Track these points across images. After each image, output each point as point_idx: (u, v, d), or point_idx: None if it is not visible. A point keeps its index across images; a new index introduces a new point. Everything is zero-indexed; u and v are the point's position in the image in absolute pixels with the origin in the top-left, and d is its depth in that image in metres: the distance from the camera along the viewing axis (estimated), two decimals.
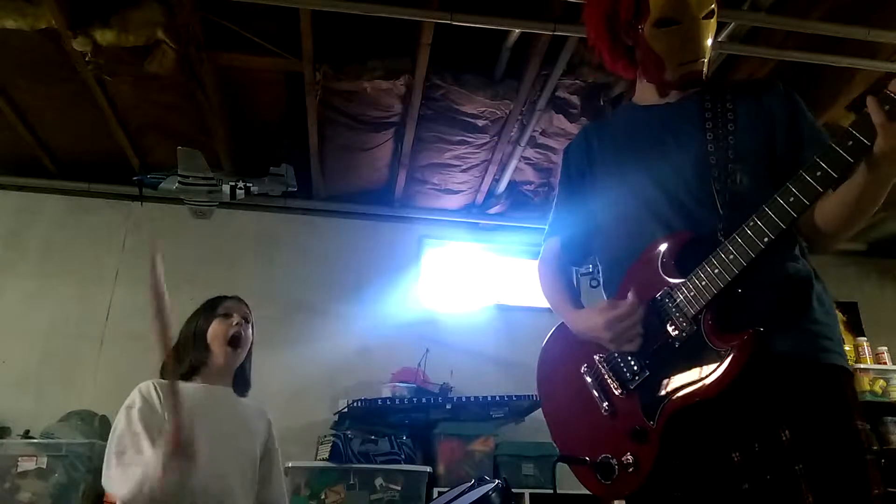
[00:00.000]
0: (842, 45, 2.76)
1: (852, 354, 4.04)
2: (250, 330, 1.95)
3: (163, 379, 1.83)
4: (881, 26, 2.62)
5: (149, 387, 1.78)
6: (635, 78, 1.46)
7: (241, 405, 1.93)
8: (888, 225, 4.27)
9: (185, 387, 1.79)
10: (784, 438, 1.08)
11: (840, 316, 4.42)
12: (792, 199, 1.04)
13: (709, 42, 1.29)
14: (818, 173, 1.01)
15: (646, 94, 1.42)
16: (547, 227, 1.55)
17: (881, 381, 3.88)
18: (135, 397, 1.76)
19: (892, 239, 4.43)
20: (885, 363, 4.01)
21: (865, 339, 4.16)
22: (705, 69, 1.31)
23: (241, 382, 1.96)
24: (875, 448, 3.67)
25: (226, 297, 1.97)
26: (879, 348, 4.08)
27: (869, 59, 2.82)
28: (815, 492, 1.03)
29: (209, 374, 1.88)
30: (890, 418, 3.79)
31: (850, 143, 0.99)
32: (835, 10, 2.66)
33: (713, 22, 1.29)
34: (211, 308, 1.93)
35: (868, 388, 3.84)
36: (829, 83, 3.11)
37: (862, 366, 3.94)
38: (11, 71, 3.11)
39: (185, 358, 1.87)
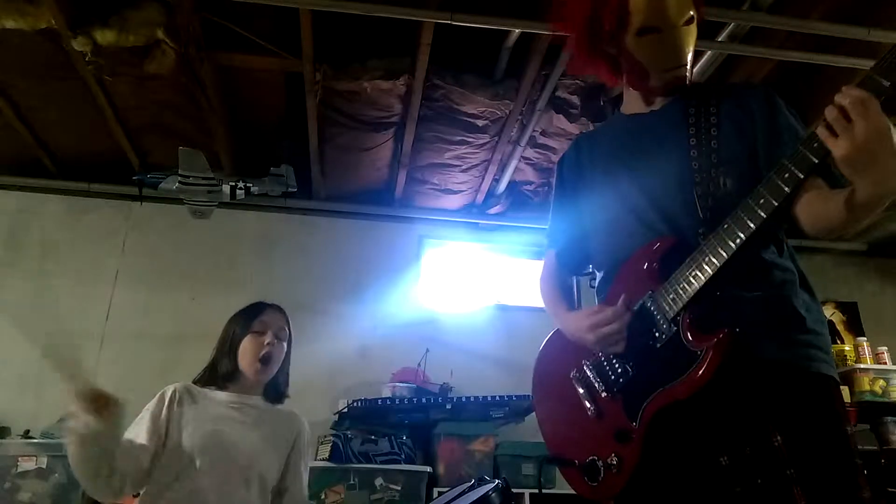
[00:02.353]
0: (842, 45, 2.76)
1: (852, 354, 4.04)
2: (284, 345, 1.93)
3: (194, 384, 1.87)
4: (881, 26, 2.62)
5: (176, 389, 1.81)
6: (620, 85, 1.48)
7: (269, 416, 1.90)
8: (888, 225, 4.27)
9: (216, 395, 1.85)
10: (776, 443, 1.09)
11: (840, 316, 4.46)
12: (762, 200, 1.07)
13: (690, 48, 1.31)
14: (785, 175, 1.04)
15: (632, 103, 1.45)
16: (546, 240, 1.59)
17: (881, 381, 3.88)
18: (154, 400, 1.79)
19: (892, 239, 4.43)
20: (885, 363, 4.01)
21: (865, 339, 4.16)
22: (688, 74, 1.33)
23: (273, 394, 1.95)
24: (875, 448, 3.67)
25: (265, 307, 1.94)
26: (879, 348, 4.08)
27: (869, 59, 2.80)
28: (807, 495, 1.05)
29: (241, 385, 1.88)
30: (890, 418, 3.79)
31: (815, 144, 1.01)
32: (835, 10, 2.66)
33: (693, 28, 1.30)
34: (248, 318, 1.90)
35: (868, 388, 3.84)
36: (829, 83, 3.11)
37: (862, 366, 3.94)
38: (11, 71, 3.11)
39: (219, 365, 1.88)
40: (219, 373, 1.87)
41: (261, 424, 1.85)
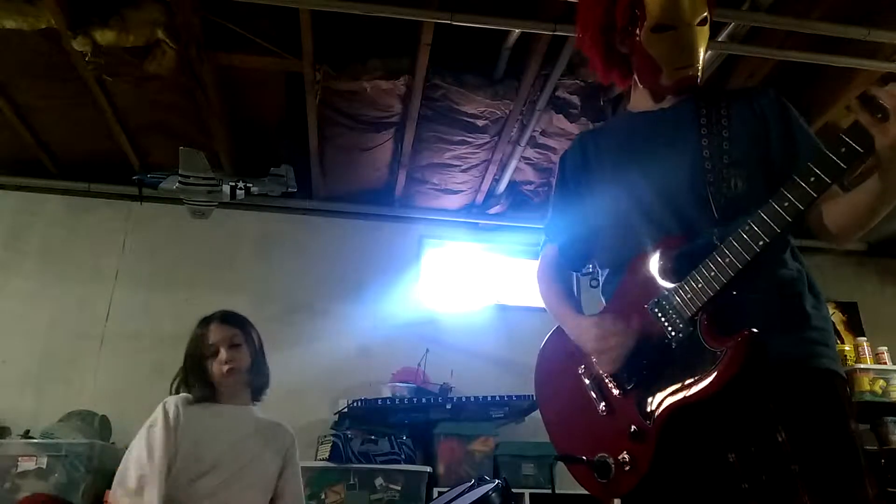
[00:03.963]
0: (842, 45, 2.76)
1: (852, 354, 4.04)
2: (243, 348, 1.96)
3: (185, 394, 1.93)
4: (881, 26, 2.62)
5: (177, 403, 1.87)
6: (629, 87, 1.49)
7: (258, 427, 1.95)
8: (888, 225, 4.26)
9: (202, 412, 1.90)
10: (780, 440, 1.09)
11: (840, 316, 4.46)
12: (787, 203, 1.06)
13: (702, 49, 1.32)
14: (812, 179, 1.04)
15: (641, 101, 1.45)
16: (544, 235, 1.58)
17: (881, 381, 3.87)
18: (158, 415, 1.84)
19: (892, 239, 4.43)
20: (885, 363, 4.00)
21: (865, 339, 4.15)
22: (699, 75, 1.34)
23: (256, 391, 2.01)
24: (875, 448, 3.66)
25: (208, 324, 1.97)
26: (879, 348, 4.07)
27: (869, 59, 2.82)
28: (810, 492, 1.05)
29: (224, 397, 1.94)
30: (890, 418, 3.79)
31: (843, 149, 1.01)
32: (835, 10, 2.66)
33: (706, 29, 1.32)
34: (202, 341, 1.95)
35: (868, 388, 3.84)
36: (829, 83, 3.12)
37: (862, 366, 3.94)
38: (11, 71, 3.11)
39: (195, 384, 1.92)
40: (201, 394, 1.92)
41: (255, 435, 1.91)
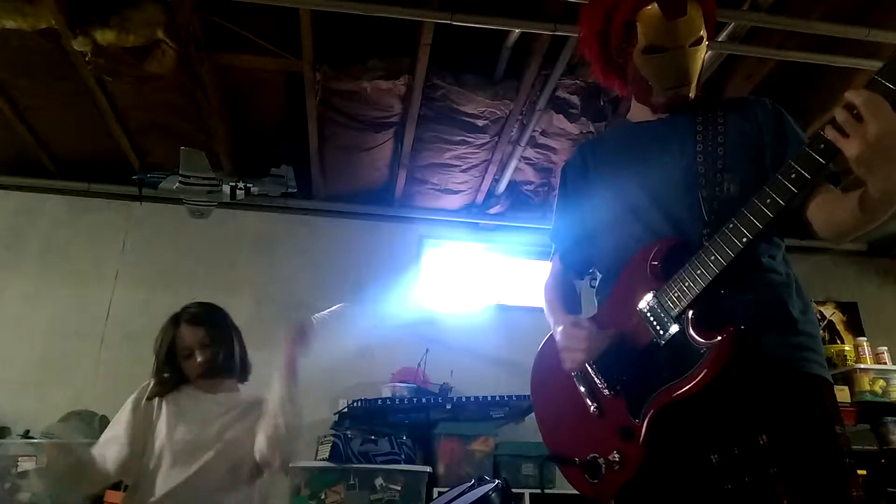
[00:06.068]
0: (842, 45, 2.76)
1: (852, 354, 4.04)
2: (212, 346, 1.95)
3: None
4: (881, 26, 2.62)
5: (148, 387, 1.95)
6: (629, 94, 1.50)
7: (231, 407, 1.94)
8: (888, 225, 4.19)
9: (176, 395, 1.93)
10: (761, 442, 1.11)
11: (840, 316, 4.46)
12: (768, 200, 1.08)
13: (696, 68, 1.33)
14: (792, 175, 1.06)
15: (639, 112, 1.47)
16: (552, 244, 1.60)
17: (881, 381, 3.87)
18: (133, 396, 1.93)
19: (892, 239, 4.43)
20: (885, 363, 4.00)
21: (865, 339, 4.15)
22: (691, 93, 1.35)
23: (240, 375, 2.02)
24: (875, 448, 3.65)
25: (178, 324, 1.97)
26: (879, 348, 4.07)
27: (869, 59, 2.82)
28: (790, 494, 1.06)
29: (205, 385, 1.96)
30: (890, 418, 3.78)
31: (822, 145, 1.02)
32: (834, 10, 2.66)
33: (701, 48, 1.32)
34: (175, 343, 1.95)
35: (868, 388, 3.84)
36: (829, 83, 3.11)
37: (862, 366, 3.94)
38: (11, 71, 3.11)
39: (166, 373, 1.95)
40: (171, 379, 1.94)
41: (223, 427, 1.90)
